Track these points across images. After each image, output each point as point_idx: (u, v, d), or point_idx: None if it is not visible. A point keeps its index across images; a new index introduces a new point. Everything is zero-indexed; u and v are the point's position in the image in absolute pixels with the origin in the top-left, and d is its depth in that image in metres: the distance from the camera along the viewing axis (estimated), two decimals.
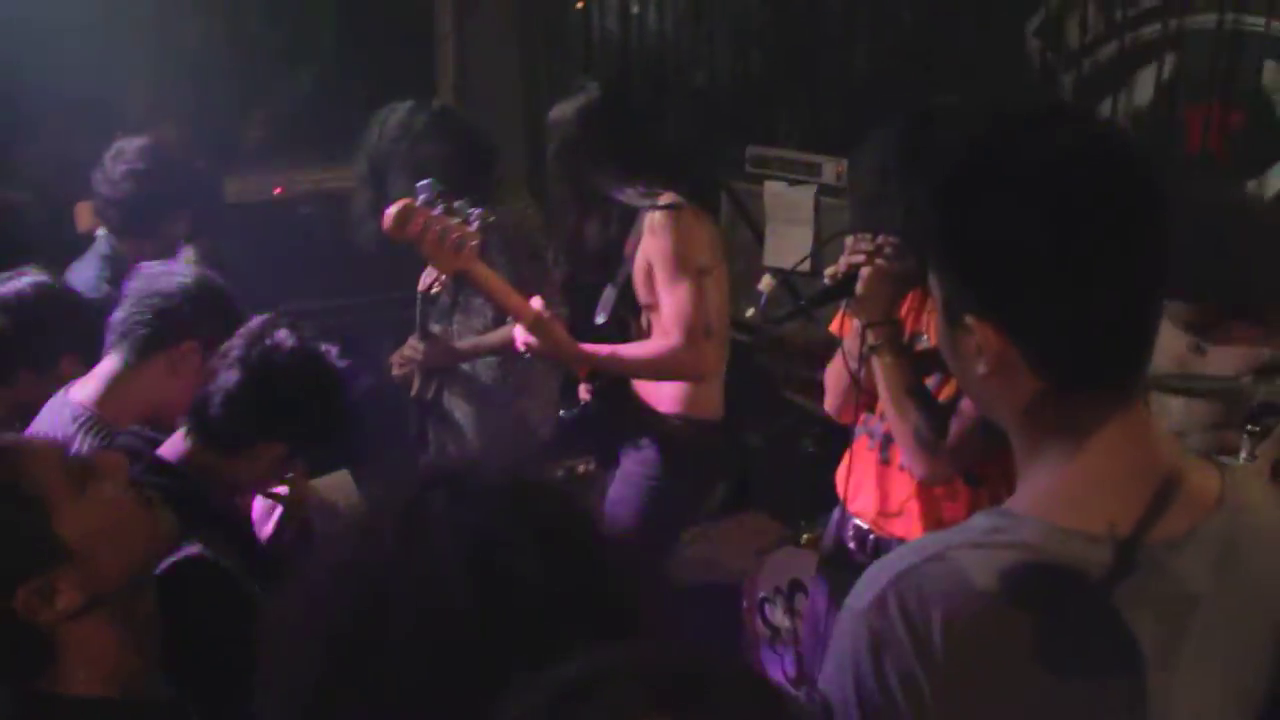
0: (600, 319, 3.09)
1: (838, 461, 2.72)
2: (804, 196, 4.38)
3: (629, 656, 0.86)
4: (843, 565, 2.59)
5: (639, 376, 3.07)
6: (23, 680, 1.39)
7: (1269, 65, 3.58)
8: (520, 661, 0.93)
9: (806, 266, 3.52)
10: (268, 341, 2.10)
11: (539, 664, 0.85)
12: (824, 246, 3.95)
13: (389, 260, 4.19)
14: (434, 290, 3.33)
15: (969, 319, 1.22)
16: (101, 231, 3.39)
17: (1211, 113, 3.69)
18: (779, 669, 3.49)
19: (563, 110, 3.00)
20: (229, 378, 2.09)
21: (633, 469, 3.15)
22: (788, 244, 4.34)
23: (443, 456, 3.65)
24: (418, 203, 2.69)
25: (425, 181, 2.73)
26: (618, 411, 3.11)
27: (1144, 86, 3.89)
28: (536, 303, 2.90)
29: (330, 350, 2.24)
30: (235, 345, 2.12)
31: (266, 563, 2.12)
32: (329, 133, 4.92)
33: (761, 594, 3.52)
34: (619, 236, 3.01)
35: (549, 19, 5.11)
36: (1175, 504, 1.21)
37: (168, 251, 3.41)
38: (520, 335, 2.90)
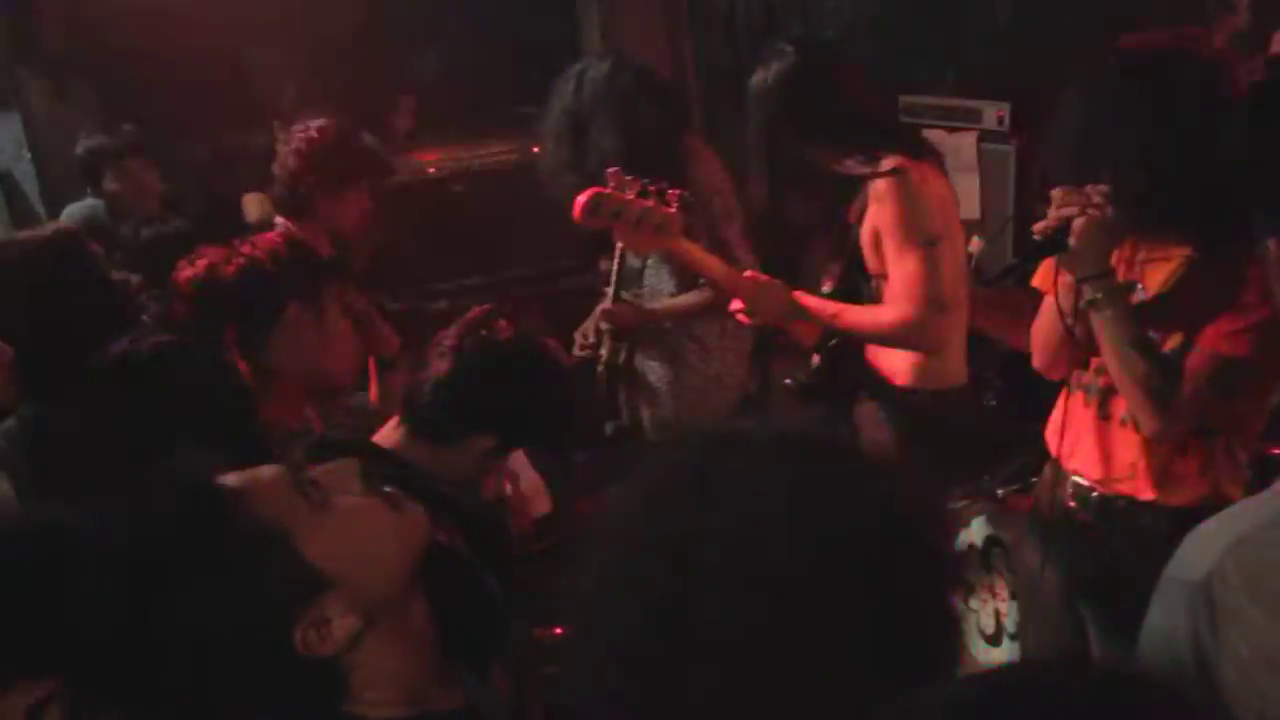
0: (826, 288, 2.98)
1: (1020, 414, 2.65)
2: (965, 143, 4.27)
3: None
4: (1061, 525, 2.51)
5: (868, 341, 2.91)
6: (329, 709, 1.34)
7: None
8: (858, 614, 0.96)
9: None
10: (483, 332, 2.08)
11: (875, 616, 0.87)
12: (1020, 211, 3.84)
13: (542, 233, 4.23)
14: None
15: (1270, 242, 1.17)
16: (279, 220, 3.42)
17: None
18: (975, 627, 3.43)
19: (763, 79, 2.81)
20: (440, 367, 2.07)
21: (882, 447, 2.96)
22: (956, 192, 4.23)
23: (636, 421, 3.63)
24: (609, 190, 2.64)
25: (614, 169, 2.69)
26: (850, 380, 2.99)
27: None
28: (752, 270, 2.85)
29: (551, 344, 2.20)
30: (450, 334, 2.10)
31: (496, 547, 2.12)
32: (477, 109, 4.96)
33: (956, 550, 3.44)
34: (830, 205, 2.87)
35: None
36: None
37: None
38: (736, 304, 2.84)
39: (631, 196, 2.64)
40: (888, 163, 2.70)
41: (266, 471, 1.38)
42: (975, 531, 3.43)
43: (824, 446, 1.11)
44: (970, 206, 4.13)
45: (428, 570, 1.50)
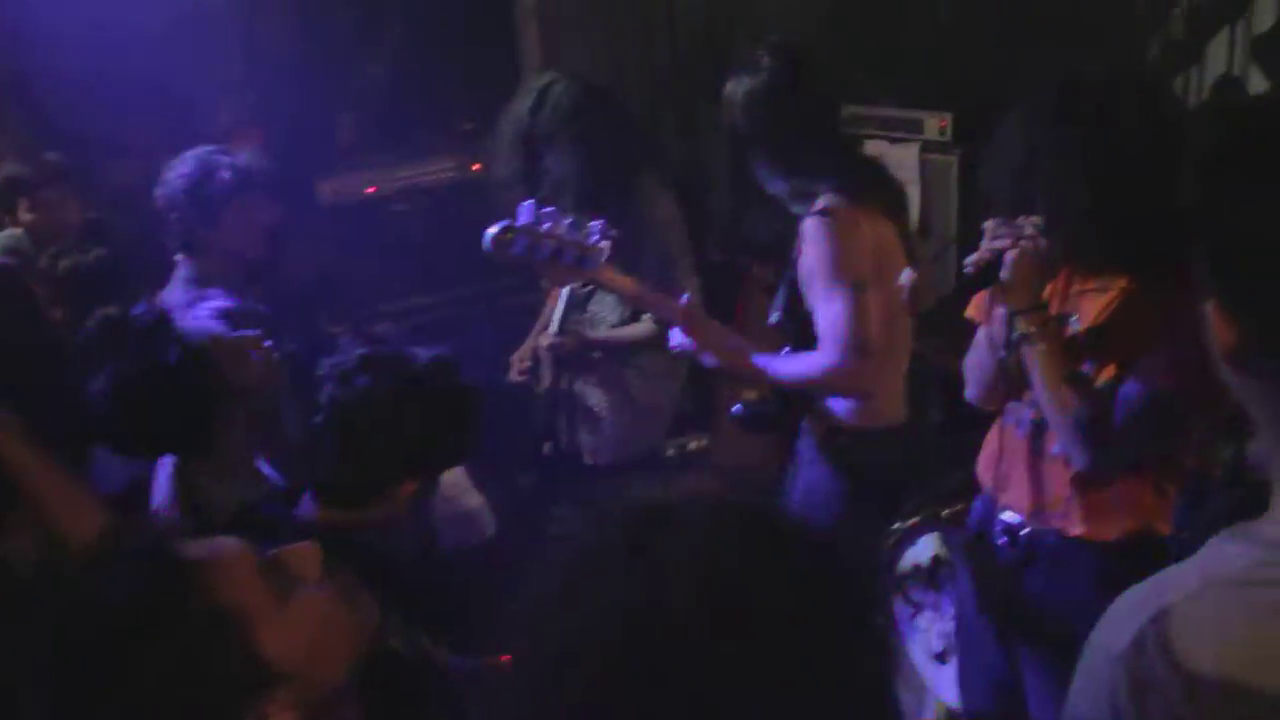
0: (773, 318, 2.91)
1: (967, 436, 2.64)
2: (907, 154, 4.25)
3: None
4: (989, 559, 2.50)
5: (797, 389, 2.87)
6: None
7: None
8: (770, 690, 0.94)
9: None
10: (356, 381, 1.97)
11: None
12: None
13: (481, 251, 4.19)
14: (585, 287, 3.27)
15: (1209, 302, 1.14)
16: (179, 258, 3.34)
17: None
18: (922, 646, 3.42)
19: (733, 89, 2.72)
20: (327, 437, 1.98)
21: (815, 485, 2.96)
22: None
23: (574, 446, 3.62)
24: (519, 223, 2.60)
25: (528, 203, 2.64)
26: (796, 413, 2.96)
27: (1264, 14, 3.70)
28: (693, 305, 2.82)
29: (417, 354, 2.07)
30: (325, 393, 1.98)
31: (427, 602, 2.07)
32: (416, 127, 4.91)
33: (901, 572, 3.44)
34: (786, 229, 2.80)
35: None
36: None
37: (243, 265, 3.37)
38: (675, 338, 2.82)
39: (545, 229, 2.58)
40: (821, 202, 2.65)
41: (231, 549, 1.33)
42: (922, 550, 3.43)
43: (754, 518, 1.08)
44: (912, 217, 4.12)
45: (373, 670, 1.47)
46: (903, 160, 4.25)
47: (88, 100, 4.13)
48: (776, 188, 2.72)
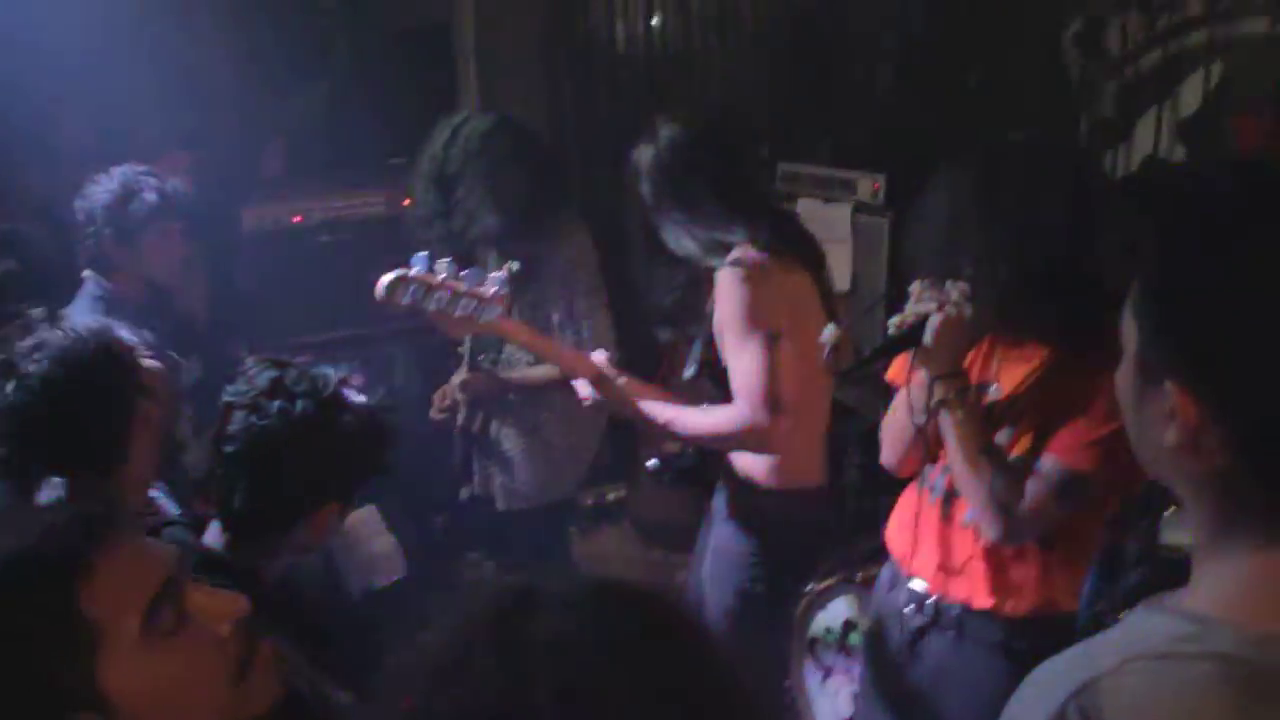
0: (689, 373, 2.85)
1: (881, 501, 2.61)
2: (840, 214, 4.27)
3: None
4: (895, 625, 2.47)
5: (707, 445, 2.80)
6: None
7: None
8: None
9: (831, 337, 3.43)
10: (269, 409, 1.88)
11: None
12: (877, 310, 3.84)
13: None
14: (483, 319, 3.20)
15: (1169, 384, 1.13)
16: (88, 273, 3.26)
17: (1261, 123, 3.58)
18: (830, 710, 3.39)
19: (637, 158, 2.71)
20: (245, 468, 1.89)
21: (727, 544, 2.89)
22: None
23: (488, 488, 3.56)
24: (412, 272, 2.52)
25: (422, 254, 2.55)
26: (713, 469, 2.90)
27: (1190, 96, 3.78)
28: (600, 356, 2.76)
29: (327, 374, 1.98)
30: (237, 421, 1.89)
31: (332, 643, 2.00)
32: (347, 159, 4.85)
33: (812, 634, 3.41)
34: (691, 292, 2.77)
35: (572, 35, 4.99)
36: None
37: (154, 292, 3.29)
38: (583, 390, 2.75)
39: (441, 279, 2.53)
40: (734, 253, 2.60)
41: (145, 566, 1.22)
42: (834, 614, 3.40)
43: (636, 605, 1.03)
44: (842, 277, 4.13)
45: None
46: (835, 220, 4.27)
47: (15, 106, 4.02)
48: (686, 248, 2.67)
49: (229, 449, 1.91)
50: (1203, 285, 1.12)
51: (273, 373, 1.93)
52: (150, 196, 3.20)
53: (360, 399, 1.98)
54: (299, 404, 1.88)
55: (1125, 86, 3.96)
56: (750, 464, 2.82)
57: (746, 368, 2.59)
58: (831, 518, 2.97)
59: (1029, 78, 4.23)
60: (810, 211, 4.32)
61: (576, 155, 4.92)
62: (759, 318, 2.58)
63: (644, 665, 0.97)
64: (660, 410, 2.72)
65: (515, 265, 2.99)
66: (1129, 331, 1.21)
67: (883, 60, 4.71)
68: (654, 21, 5.09)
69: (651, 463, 3.03)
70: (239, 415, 1.90)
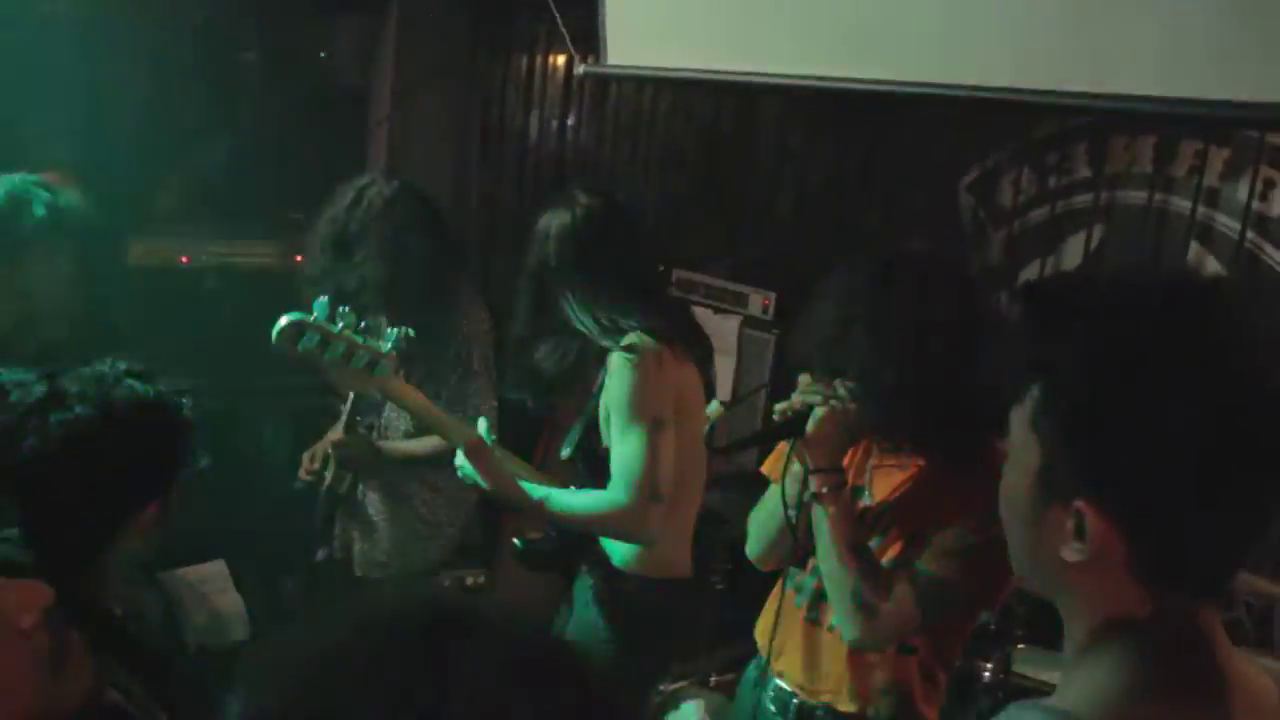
0: (565, 453, 2.85)
1: (744, 598, 2.60)
2: (729, 326, 4.34)
3: None
4: None
5: (579, 528, 2.77)
6: None
7: (1194, 247, 3.66)
8: None
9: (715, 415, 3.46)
10: (45, 434, 1.72)
11: None
12: (768, 388, 3.88)
13: None
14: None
15: (1079, 502, 1.11)
16: None
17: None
18: None
19: (545, 224, 2.73)
20: (39, 498, 1.74)
21: (585, 628, 2.84)
22: None
23: (347, 553, 3.46)
24: (312, 319, 2.50)
25: (322, 299, 2.54)
26: (574, 550, 2.87)
27: (1073, 253, 3.96)
28: (481, 426, 2.74)
29: (103, 373, 1.83)
30: (26, 446, 1.73)
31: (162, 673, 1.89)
32: (245, 207, 4.78)
33: None
34: (576, 367, 2.78)
35: (487, 120, 5.04)
36: (1246, 710, 1.13)
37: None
38: (459, 459, 2.71)
39: (339, 329, 2.50)
40: (629, 338, 2.62)
41: None
42: (683, 716, 3.37)
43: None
44: (725, 389, 4.17)
45: None
46: (723, 331, 4.34)
47: None
48: (583, 323, 2.68)
49: (19, 480, 1.75)
50: (1128, 407, 1.09)
51: (44, 386, 1.78)
52: (39, 210, 3.06)
53: (144, 389, 1.84)
54: (78, 409, 1.74)
55: (1013, 237, 4.12)
56: (617, 551, 2.80)
57: (629, 452, 2.59)
58: (696, 611, 2.95)
59: (923, 219, 4.38)
60: (701, 320, 4.37)
61: (477, 236, 4.93)
62: (647, 405, 2.60)
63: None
64: (534, 489, 2.71)
65: (410, 332, 2.98)
66: (1025, 447, 1.18)
67: (780, 188, 4.85)
68: (569, 121, 5.18)
69: (515, 541, 2.99)
70: (19, 442, 1.74)
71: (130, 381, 1.83)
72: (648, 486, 2.58)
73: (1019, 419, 1.19)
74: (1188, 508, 1.09)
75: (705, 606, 3.33)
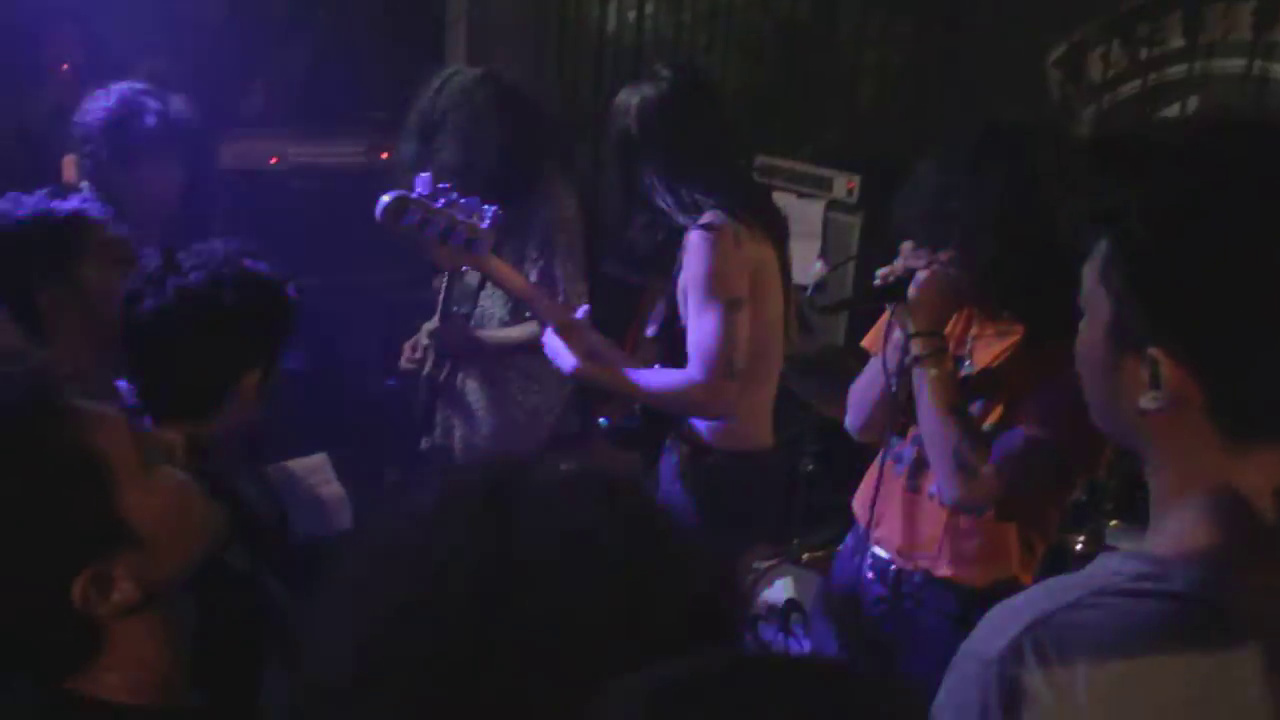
0: (650, 331, 2.89)
1: (834, 481, 2.64)
2: (813, 210, 4.32)
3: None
4: (855, 593, 2.50)
5: (660, 405, 2.81)
6: (57, 677, 1.22)
7: None
8: (619, 656, 0.91)
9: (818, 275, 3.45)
10: (163, 297, 1.89)
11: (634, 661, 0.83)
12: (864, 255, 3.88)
13: (380, 242, 4.12)
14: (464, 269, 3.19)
15: (1154, 350, 1.13)
16: (85, 184, 3.19)
17: None
18: None
19: (627, 98, 2.74)
20: (155, 358, 1.92)
21: (672, 503, 2.89)
22: (795, 257, 4.26)
23: (449, 439, 3.53)
24: (415, 195, 2.55)
25: (425, 175, 2.59)
26: (662, 429, 2.92)
27: None
28: (575, 310, 2.79)
29: (215, 246, 2.01)
30: (133, 316, 1.91)
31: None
32: (328, 107, 4.82)
33: (754, 612, 3.43)
34: (669, 241, 2.77)
35: (564, 12, 5.01)
36: None
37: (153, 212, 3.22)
38: (546, 337, 2.77)
39: (440, 205, 2.53)
40: (706, 215, 2.63)
41: (109, 409, 1.27)
42: (776, 593, 3.43)
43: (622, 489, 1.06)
44: (809, 273, 4.17)
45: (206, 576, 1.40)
46: (808, 214, 4.32)
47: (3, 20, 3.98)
48: (663, 199, 2.70)
49: (137, 338, 1.93)
50: (1196, 251, 1.10)
51: (162, 258, 1.94)
52: (150, 119, 3.12)
53: (252, 265, 1.98)
54: (192, 276, 1.89)
55: (1102, 113, 4.04)
56: (700, 427, 2.85)
57: (705, 331, 2.62)
58: (779, 481, 2.99)
59: (1010, 98, 4.30)
60: (783, 205, 4.36)
61: (558, 126, 4.93)
62: (723, 284, 2.62)
63: (643, 544, 1.00)
64: (614, 371, 2.75)
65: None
66: (1098, 299, 1.20)
67: (864, 73, 4.78)
68: (646, 10, 5.13)
69: (600, 421, 3.06)
70: (138, 304, 1.91)
71: (239, 258, 1.96)
72: (724, 364, 2.61)
73: (1090, 272, 1.21)
74: (1260, 350, 1.10)
75: (788, 477, 3.37)
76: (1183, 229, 1.11)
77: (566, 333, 2.73)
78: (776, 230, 2.83)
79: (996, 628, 1.17)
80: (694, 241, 2.63)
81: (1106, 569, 1.19)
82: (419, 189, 2.53)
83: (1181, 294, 1.11)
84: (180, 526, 1.27)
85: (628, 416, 2.98)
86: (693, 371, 2.64)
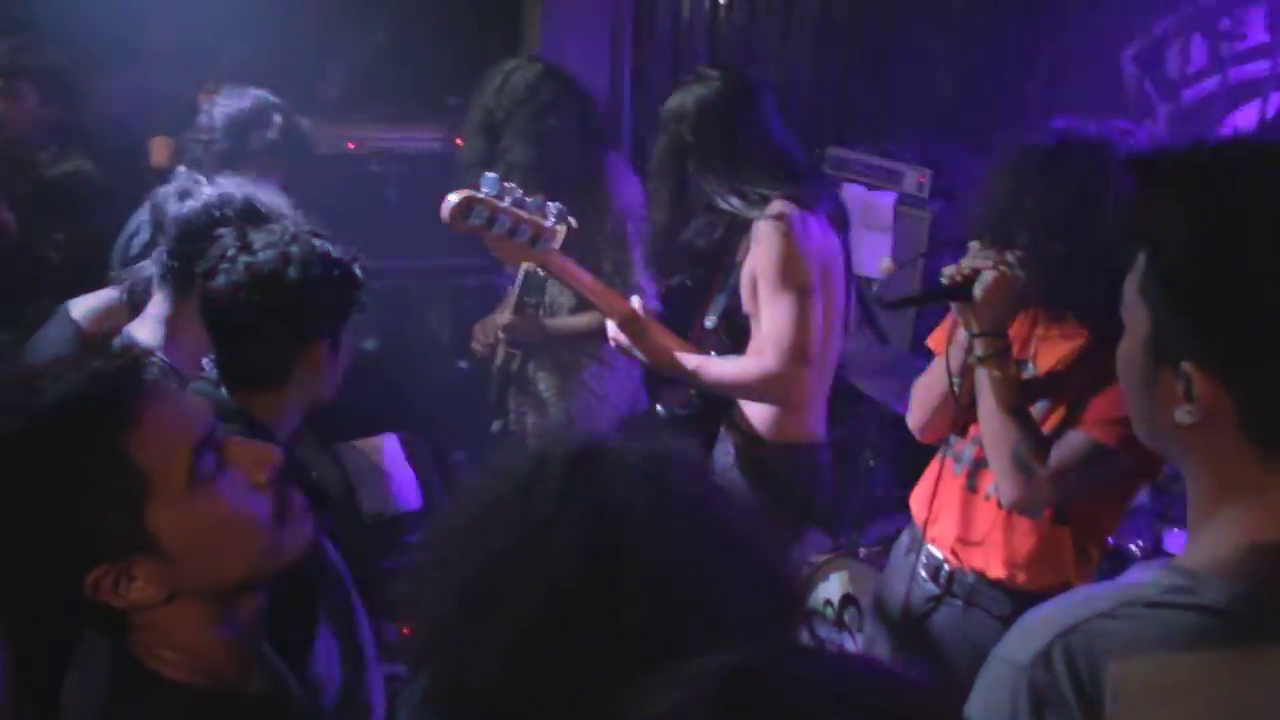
0: (710, 322, 2.91)
1: (895, 477, 2.65)
2: (883, 202, 4.31)
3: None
4: (908, 592, 2.52)
5: (726, 394, 2.84)
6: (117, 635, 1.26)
7: None
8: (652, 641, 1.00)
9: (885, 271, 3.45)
10: (234, 271, 1.97)
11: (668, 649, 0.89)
12: (933, 253, 3.87)
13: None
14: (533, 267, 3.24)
15: (1187, 365, 1.15)
16: (182, 169, 3.29)
17: None
18: None
19: (681, 101, 2.76)
20: (227, 327, 2.00)
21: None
22: (864, 249, 4.27)
23: (521, 426, 3.59)
24: (482, 194, 2.59)
25: (492, 175, 2.63)
26: (717, 418, 2.95)
27: (1246, 124, 3.82)
28: (635, 301, 2.80)
29: (287, 226, 2.07)
30: (209, 291, 2.00)
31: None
32: (404, 92, 4.89)
33: (810, 606, 3.46)
34: (725, 240, 2.79)
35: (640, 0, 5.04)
36: None
37: None
38: (611, 331, 2.80)
39: (506, 204, 2.58)
40: (774, 207, 2.66)
41: (183, 415, 1.27)
42: (832, 588, 3.46)
43: (688, 467, 1.15)
44: (878, 266, 4.17)
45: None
46: (878, 207, 4.32)
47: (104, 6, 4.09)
48: (726, 201, 2.72)
49: (212, 312, 2.02)
50: (1228, 269, 1.13)
51: (235, 237, 2.02)
52: (272, 133, 3.21)
53: (320, 243, 2.05)
54: (261, 254, 1.97)
55: (1181, 109, 3.99)
56: (754, 414, 2.87)
57: (779, 317, 2.65)
58: (829, 474, 3.00)
59: (1086, 92, 4.26)
60: (854, 197, 4.37)
61: (631, 116, 4.96)
62: (795, 272, 2.64)
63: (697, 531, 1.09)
64: (686, 357, 2.78)
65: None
66: (1137, 312, 1.22)
67: (939, 65, 4.75)
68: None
69: (659, 409, 3.10)
70: (212, 280, 2.00)
71: (308, 237, 2.03)
72: (799, 350, 2.64)
73: (1130, 286, 1.23)
74: None
75: (850, 471, 3.38)
76: (1215, 247, 1.14)
77: (628, 326, 2.77)
78: (842, 220, 2.84)
79: (1029, 633, 1.20)
80: (764, 231, 2.66)
81: (1139, 581, 1.21)
82: (486, 189, 2.57)
83: (1214, 310, 1.14)
84: (218, 547, 1.27)
85: (684, 404, 3.02)
86: (767, 359, 2.67)
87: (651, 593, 1.02)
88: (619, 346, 2.83)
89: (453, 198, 2.58)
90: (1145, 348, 1.21)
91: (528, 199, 2.62)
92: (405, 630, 1.20)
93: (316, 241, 2.04)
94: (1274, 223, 1.12)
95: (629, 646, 1.01)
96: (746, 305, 2.79)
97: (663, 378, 2.95)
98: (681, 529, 1.07)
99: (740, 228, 2.75)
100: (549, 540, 1.06)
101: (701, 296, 3.03)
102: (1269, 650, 1.13)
